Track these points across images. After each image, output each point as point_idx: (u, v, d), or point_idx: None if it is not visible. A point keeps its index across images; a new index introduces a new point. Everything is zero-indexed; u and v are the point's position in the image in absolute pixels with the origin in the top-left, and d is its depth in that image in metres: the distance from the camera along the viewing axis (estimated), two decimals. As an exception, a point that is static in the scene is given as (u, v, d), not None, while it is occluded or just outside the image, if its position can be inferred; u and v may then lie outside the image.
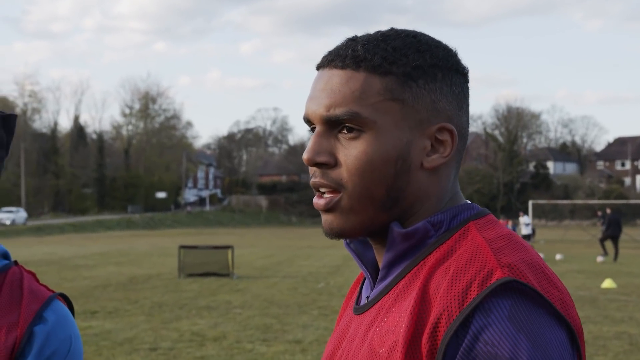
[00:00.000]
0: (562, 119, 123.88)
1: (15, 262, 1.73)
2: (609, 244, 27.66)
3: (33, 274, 1.73)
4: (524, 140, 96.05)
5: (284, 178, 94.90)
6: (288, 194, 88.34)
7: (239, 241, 34.73)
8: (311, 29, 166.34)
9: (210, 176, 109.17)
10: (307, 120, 1.22)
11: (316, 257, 27.42)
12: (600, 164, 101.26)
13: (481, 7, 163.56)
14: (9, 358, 1.56)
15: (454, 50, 1.22)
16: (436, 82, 1.17)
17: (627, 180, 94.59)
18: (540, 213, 61.89)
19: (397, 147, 1.15)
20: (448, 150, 1.18)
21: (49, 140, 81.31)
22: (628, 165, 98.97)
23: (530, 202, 44.65)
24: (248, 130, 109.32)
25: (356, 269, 21.40)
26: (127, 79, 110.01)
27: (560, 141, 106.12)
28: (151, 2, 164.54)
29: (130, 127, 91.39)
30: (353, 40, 1.20)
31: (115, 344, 9.94)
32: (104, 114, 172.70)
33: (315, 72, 1.24)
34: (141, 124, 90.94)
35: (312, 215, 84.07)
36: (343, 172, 1.16)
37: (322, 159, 1.17)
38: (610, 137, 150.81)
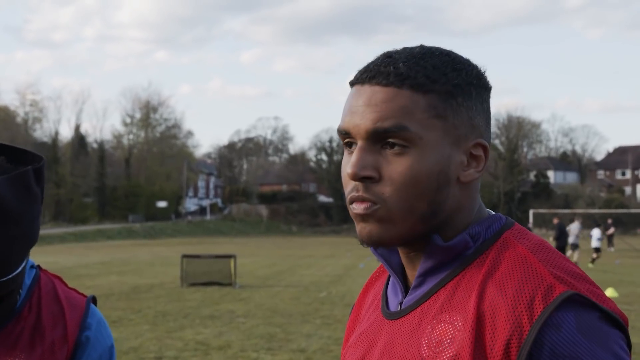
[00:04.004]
0: (562, 128, 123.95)
1: (39, 268, 1.77)
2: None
3: (60, 278, 1.77)
4: (525, 149, 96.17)
5: (284, 187, 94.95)
6: (288, 203, 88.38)
7: (240, 250, 34.71)
8: (312, 38, 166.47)
9: (211, 185, 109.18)
10: (345, 134, 1.23)
11: (318, 267, 27.43)
12: (601, 173, 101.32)
13: (482, 15, 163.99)
14: None
15: (481, 68, 1.28)
16: (472, 100, 1.23)
17: (628, 190, 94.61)
18: (540, 222, 61.85)
19: (440, 163, 1.19)
20: (482, 165, 1.24)
21: (50, 150, 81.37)
22: (628, 175, 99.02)
23: (531, 212, 44.75)
24: (249, 139, 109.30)
25: (357, 278, 21.45)
26: (128, 88, 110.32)
27: (561, 150, 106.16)
28: (151, 11, 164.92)
29: (131, 136, 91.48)
30: (390, 57, 1.23)
31: (120, 353, 9.98)
32: (105, 123, 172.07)
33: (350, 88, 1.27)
34: (142, 133, 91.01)
35: (313, 224, 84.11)
36: (386, 187, 1.19)
37: (367, 173, 1.19)
38: (611, 146, 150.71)
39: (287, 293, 17.68)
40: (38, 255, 34.33)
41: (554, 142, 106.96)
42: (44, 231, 60.99)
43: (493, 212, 1.29)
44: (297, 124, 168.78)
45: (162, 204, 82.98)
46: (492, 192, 79.24)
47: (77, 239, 56.78)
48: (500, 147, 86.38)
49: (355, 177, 1.20)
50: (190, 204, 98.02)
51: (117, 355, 9.76)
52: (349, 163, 1.21)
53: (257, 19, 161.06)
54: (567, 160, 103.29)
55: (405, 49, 1.25)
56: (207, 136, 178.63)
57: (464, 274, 1.20)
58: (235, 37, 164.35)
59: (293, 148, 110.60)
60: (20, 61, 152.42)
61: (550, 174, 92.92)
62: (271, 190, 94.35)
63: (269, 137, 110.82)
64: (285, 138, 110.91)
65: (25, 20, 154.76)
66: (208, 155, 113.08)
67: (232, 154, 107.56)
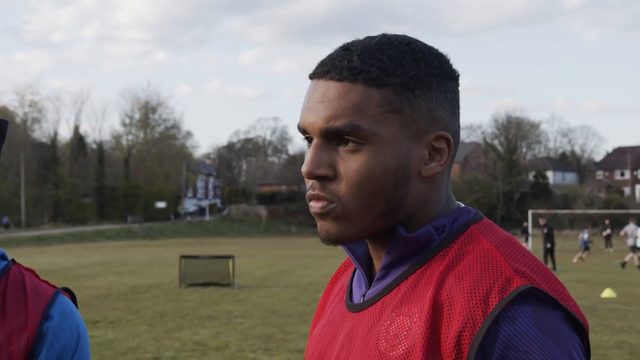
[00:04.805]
0: (561, 129, 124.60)
1: (13, 261, 1.75)
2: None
3: (32, 271, 1.76)
4: (524, 150, 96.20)
5: (283, 188, 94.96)
6: (288, 203, 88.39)
7: (239, 251, 34.72)
8: (311, 39, 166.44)
9: (210, 186, 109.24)
10: (303, 131, 1.21)
11: (316, 267, 27.43)
12: (600, 174, 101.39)
13: (481, 16, 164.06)
14: (25, 359, 1.60)
15: (445, 56, 1.23)
16: (432, 91, 1.18)
17: (627, 190, 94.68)
18: (539, 223, 61.98)
19: (397, 158, 1.16)
20: (445, 158, 1.19)
21: (49, 150, 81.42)
22: (627, 175, 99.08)
23: (529, 212, 44.72)
24: (248, 140, 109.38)
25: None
26: (127, 89, 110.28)
27: (560, 151, 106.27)
28: (150, 12, 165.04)
29: (130, 137, 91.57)
30: (347, 49, 1.19)
31: (118, 354, 9.98)
32: (104, 124, 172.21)
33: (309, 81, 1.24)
34: (141, 134, 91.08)
35: (312, 225, 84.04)
36: (342, 185, 1.16)
37: (322, 171, 1.17)
38: (610, 147, 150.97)
39: (285, 293, 17.67)
40: (37, 256, 34.37)
41: (553, 142, 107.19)
42: (42, 231, 61.02)
43: (463, 205, 1.26)
44: (296, 125, 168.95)
45: (161, 204, 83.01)
46: (491, 192, 79.28)
47: (75, 239, 56.76)
48: (500, 148, 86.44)
49: (310, 175, 1.17)
50: (189, 205, 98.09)
51: (114, 356, 9.78)
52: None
53: (255, 20, 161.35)
54: (566, 161, 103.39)
55: (365, 39, 1.21)
56: (206, 137, 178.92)
57: (426, 267, 1.17)
58: (234, 38, 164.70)
59: (292, 149, 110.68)
60: (19, 62, 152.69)
61: (549, 174, 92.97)
62: (270, 190, 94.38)
63: (268, 137, 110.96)
64: (284, 139, 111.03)
65: (24, 21, 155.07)
66: (207, 156, 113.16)
67: (231, 155, 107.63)
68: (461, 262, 1.14)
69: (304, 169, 1.17)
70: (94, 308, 14.74)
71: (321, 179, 1.18)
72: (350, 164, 1.16)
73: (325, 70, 1.18)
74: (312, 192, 1.19)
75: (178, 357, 9.75)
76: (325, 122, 1.16)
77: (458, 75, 1.24)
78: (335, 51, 1.21)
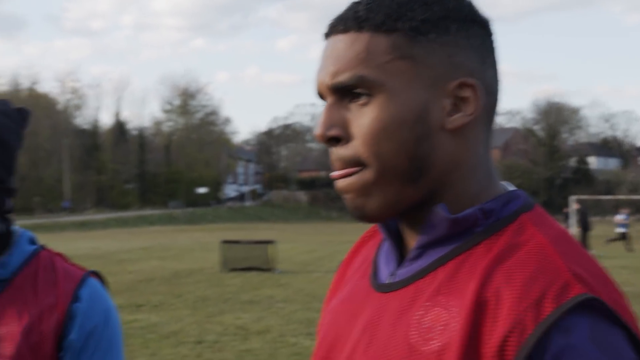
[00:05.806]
0: (603, 114, 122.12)
1: (42, 246, 1.79)
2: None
3: (62, 255, 1.80)
4: (565, 135, 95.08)
5: (323, 173, 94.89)
6: (328, 189, 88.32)
7: (280, 236, 34.79)
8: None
9: (250, 172, 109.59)
10: (320, 95, 1.11)
11: (356, 253, 27.42)
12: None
13: (518, 1, 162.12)
14: (56, 338, 1.63)
15: (467, 0, 1.10)
16: (449, 35, 1.05)
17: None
18: (574, 207, 61.11)
19: (414, 110, 1.03)
20: (472, 108, 1.05)
21: (91, 137, 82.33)
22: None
23: (571, 198, 44.26)
24: (286, 126, 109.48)
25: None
26: (166, 76, 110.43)
27: (602, 136, 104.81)
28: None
29: (170, 123, 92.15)
30: (357, 2, 1.09)
31: (161, 337, 10.09)
32: (144, 111, 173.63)
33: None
34: (181, 120, 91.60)
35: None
36: (358, 146, 1.05)
37: (333, 132, 1.06)
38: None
39: (326, 279, 17.67)
40: (81, 241, 34.83)
41: (595, 127, 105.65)
42: (86, 217, 61.82)
43: (512, 187, 1.12)
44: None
45: (202, 190, 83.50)
46: (532, 178, 78.54)
47: (119, 224, 57.42)
48: (541, 133, 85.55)
49: (322, 138, 1.07)
50: (230, 190, 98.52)
51: (157, 339, 9.90)
52: None
53: (292, 6, 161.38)
54: (608, 146, 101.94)
55: None
56: (245, 123, 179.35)
57: (469, 254, 1.03)
58: (271, 25, 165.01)
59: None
60: (60, 49, 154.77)
61: (592, 160, 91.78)
62: (310, 176, 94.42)
63: (306, 123, 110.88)
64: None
65: (64, 9, 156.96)
66: (246, 142, 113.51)
67: (270, 141, 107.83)
68: (512, 257, 1.00)
69: (316, 132, 1.07)
70: (137, 292, 14.91)
71: (335, 141, 1.07)
72: (362, 120, 1.04)
73: (332, 24, 1.10)
74: (335, 169, 1.09)
75: (220, 341, 9.83)
76: (331, 78, 1.06)
77: (486, 22, 1.10)
78: (347, 6, 1.12)
